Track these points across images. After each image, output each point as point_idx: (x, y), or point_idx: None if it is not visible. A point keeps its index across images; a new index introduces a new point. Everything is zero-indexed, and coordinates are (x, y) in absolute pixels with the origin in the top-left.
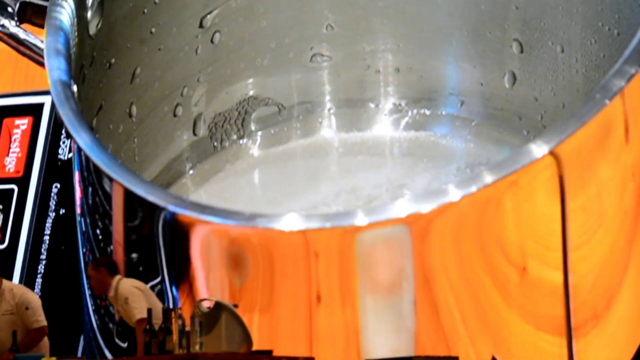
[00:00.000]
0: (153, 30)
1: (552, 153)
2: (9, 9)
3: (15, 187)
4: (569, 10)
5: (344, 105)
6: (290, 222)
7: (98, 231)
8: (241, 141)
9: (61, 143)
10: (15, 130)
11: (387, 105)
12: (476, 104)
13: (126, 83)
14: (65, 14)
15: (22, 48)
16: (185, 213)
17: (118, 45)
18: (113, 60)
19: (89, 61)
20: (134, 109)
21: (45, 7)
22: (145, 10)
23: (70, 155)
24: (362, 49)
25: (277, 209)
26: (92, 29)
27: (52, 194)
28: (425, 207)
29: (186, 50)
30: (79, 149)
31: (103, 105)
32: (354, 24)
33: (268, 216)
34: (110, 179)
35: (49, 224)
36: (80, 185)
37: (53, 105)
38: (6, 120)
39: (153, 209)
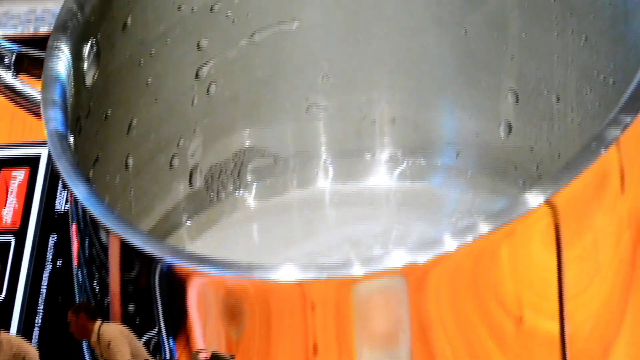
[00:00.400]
0: (149, 81)
1: (547, 202)
2: (6, 60)
3: (12, 239)
4: (564, 60)
5: (340, 156)
6: (287, 273)
7: (95, 283)
8: (237, 192)
9: (58, 194)
10: (12, 182)
11: (383, 156)
12: (472, 154)
13: (123, 134)
14: (61, 64)
15: (19, 99)
16: (182, 264)
17: (114, 97)
18: (109, 112)
19: (85, 112)
20: (130, 160)
21: (42, 58)
22: (142, 62)
23: (67, 206)
24: (358, 99)
25: (273, 260)
26: (89, 80)
27: (49, 246)
28: (422, 258)
29: (182, 101)
30: (76, 201)
31: (99, 157)
32: (350, 75)
33: (264, 267)
34: (107, 231)
35: (46, 276)
36: (77, 237)
37: (50, 157)
38: (3, 171)
39: (150, 261)
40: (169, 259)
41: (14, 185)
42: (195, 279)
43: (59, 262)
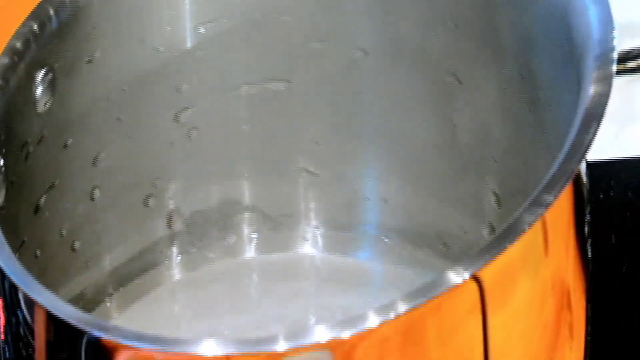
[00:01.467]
0: (121, 117)
1: (473, 278)
2: None
3: None
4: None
5: (266, 228)
6: (212, 347)
7: (22, 358)
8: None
9: None
10: None
11: (308, 228)
12: (397, 227)
13: (87, 165)
14: None
15: None
16: (108, 337)
17: (77, 127)
18: (70, 141)
19: (36, 139)
20: (97, 192)
21: None
22: (111, 97)
23: None
24: (283, 170)
25: (199, 333)
26: (41, 107)
27: None
28: (346, 333)
29: (160, 142)
30: (3, 276)
31: (56, 184)
32: (271, 144)
33: (190, 341)
34: (33, 303)
35: None
36: (3, 313)
37: None
38: None
39: (76, 333)
40: (95, 332)
41: None
42: (122, 352)
43: None
